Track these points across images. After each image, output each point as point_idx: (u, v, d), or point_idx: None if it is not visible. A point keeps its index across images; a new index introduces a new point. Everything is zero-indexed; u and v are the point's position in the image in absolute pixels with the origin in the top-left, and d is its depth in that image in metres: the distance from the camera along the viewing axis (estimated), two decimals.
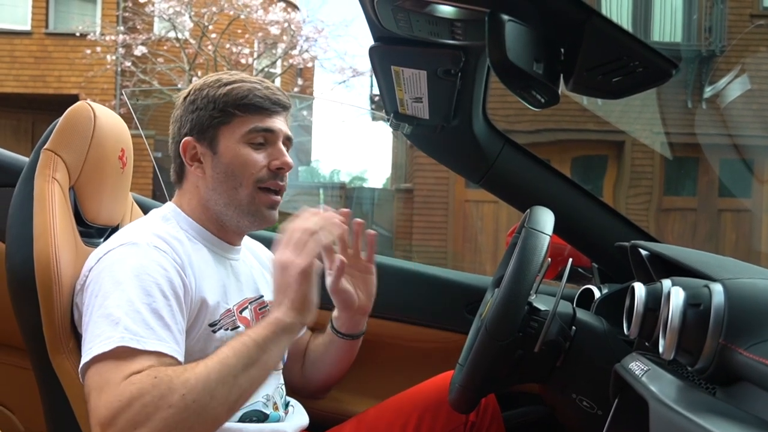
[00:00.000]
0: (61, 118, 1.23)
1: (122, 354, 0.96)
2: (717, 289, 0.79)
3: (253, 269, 1.31)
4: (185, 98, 1.22)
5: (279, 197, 1.22)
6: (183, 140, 1.20)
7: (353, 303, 1.31)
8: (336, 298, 1.31)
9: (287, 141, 1.23)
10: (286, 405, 1.30)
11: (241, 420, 1.15)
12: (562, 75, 0.97)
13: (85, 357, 0.97)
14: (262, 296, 1.28)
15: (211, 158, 1.18)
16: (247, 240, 1.36)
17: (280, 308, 1.06)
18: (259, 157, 1.18)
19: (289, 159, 1.21)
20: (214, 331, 1.13)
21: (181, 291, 1.07)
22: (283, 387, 1.30)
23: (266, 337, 1.03)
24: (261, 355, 1.02)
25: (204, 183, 1.19)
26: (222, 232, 1.22)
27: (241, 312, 1.20)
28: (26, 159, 1.29)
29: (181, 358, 1.02)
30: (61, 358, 1.10)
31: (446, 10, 1.00)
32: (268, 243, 1.49)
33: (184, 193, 1.23)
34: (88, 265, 1.10)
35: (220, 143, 1.18)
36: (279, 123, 1.21)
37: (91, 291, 1.04)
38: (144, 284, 1.02)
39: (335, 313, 1.36)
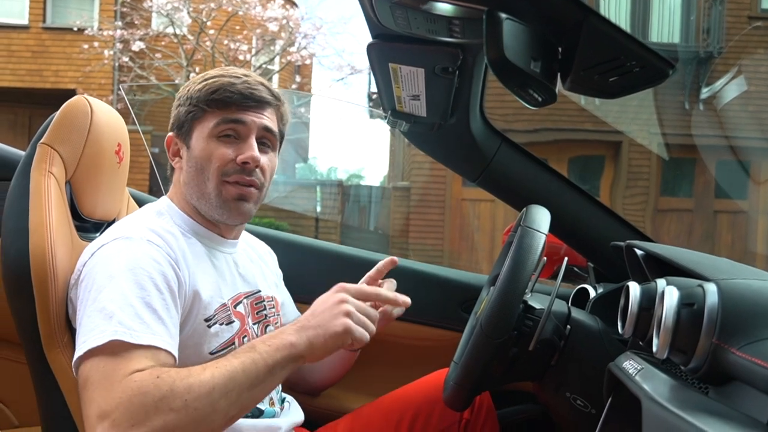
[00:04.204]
0: (58, 113, 1.22)
1: (117, 348, 0.95)
2: (711, 289, 0.80)
3: (251, 263, 1.31)
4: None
5: (251, 189, 1.18)
6: (167, 136, 1.22)
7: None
8: None
9: (267, 134, 1.20)
10: (282, 401, 1.30)
11: None
12: (559, 74, 0.97)
13: (79, 350, 0.97)
14: (259, 291, 1.28)
15: (186, 153, 1.19)
16: (246, 235, 1.36)
17: (299, 335, 1.02)
18: (227, 151, 1.16)
19: (256, 153, 1.16)
20: (209, 326, 1.13)
21: (175, 285, 1.07)
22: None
23: (277, 362, 1.00)
24: (268, 377, 1.00)
25: (183, 177, 1.20)
26: (210, 225, 1.22)
27: (235, 306, 1.19)
28: (22, 152, 1.29)
29: (175, 353, 1.01)
30: (56, 353, 1.10)
31: (444, 8, 1.00)
32: (267, 239, 1.49)
33: (174, 188, 1.24)
34: (82, 260, 1.10)
35: (192, 138, 1.18)
36: (252, 116, 1.17)
37: (85, 285, 1.04)
38: (138, 278, 1.02)
39: None
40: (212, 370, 0.96)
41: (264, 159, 1.19)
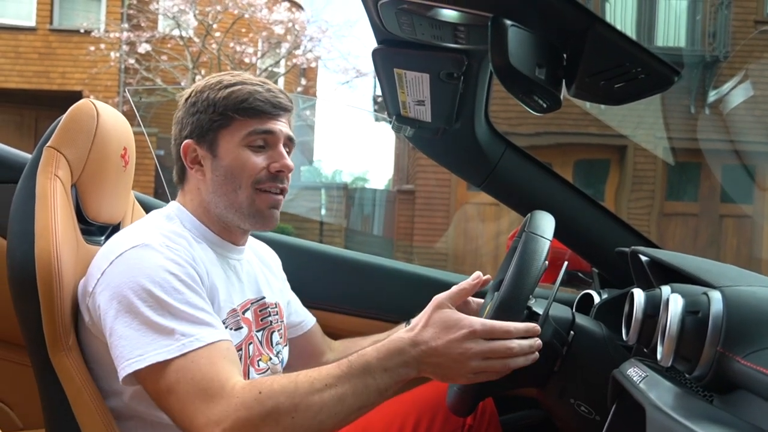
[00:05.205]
0: (64, 116, 1.23)
1: (190, 357, 0.98)
2: (716, 296, 0.80)
3: (256, 270, 1.32)
4: (186, 100, 1.22)
5: (280, 197, 1.21)
6: (184, 143, 1.20)
7: None
8: None
9: (289, 142, 1.22)
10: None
11: None
12: (564, 80, 0.97)
13: (140, 363, 0.99)
14: (263, 297, 1.28)
15: (211, 161, 1.18)
16: (251, 240, 1.36)
17: (419, 363, 0.99)
18: (258, 160, 1.17)
19: (288, 161, 1.20)
20: None
21: (199, 282, 1.09)
22: None
23: (389, 386, 0.99)
24: (377, 400, 1.00)
25: (204, 186, 1.19)
26: (225, 233, 1.22)
27: (244, 312, 1.20)
28: (29, 155, 1.30)
29: (230, 338, 1.05)
30: (61, 356, 1.10)
31: (449, 14, 1.00)
32: (271, 243, 1.49)
33: (186, 194, 1.23)
34: (98, 267, 1.09)
35: (219, 146, 1.17)
36: (280, 125, 1.19)
37: (111, 296, 1.04)
38: (173, 285, 1.03)
39: None
40: (321, 392, 0.96)
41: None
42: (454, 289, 1.11)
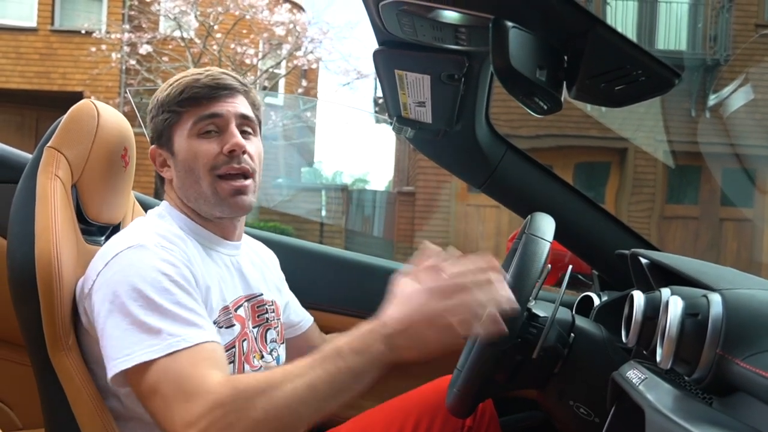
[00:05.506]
0: (65, 117, 1.23)
1: (176, 358, 0.97)
2: (715, 299, 0.80)
3: (253, 267, 1.31)
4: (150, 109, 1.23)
5: (244, 181, 1.17)
6: (150, 150, 1.22)
7: None
8: None
9: (247, 120, 1.19)
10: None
11: None
12: (565, 82, 0.97)
13: (126, 363, 0.98)
14: (260, 294, 1.28)
15: (173, 160, 1.19)
16: (248, 239, 1.36)
17: (391, 341, 0.95)
18: (211, 146, 1.16)
19: (239, 140, 1.15)
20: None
21: (193, 283, 1.08)
22: None
23: (364, 368, 0.95)
24: (353, 384, 0.96)
25: (176, 183, 1.20)
26: (211, 226, 1.21)
27: (236, 309, 1.19)
28: (29, 155, 1.30)
29: (219, 340, 1.05)
30: (61, 356, 1.10)
31: (451, 16, 1.01)
32: (271, 244, 1.49)
33: (168, 194, 1.24)
34: (94, 268, 1.09)
35: (174, 143, 1.18)
36: (227, 106, 1.17)
37: (104, 295, 1.04)
38: (162, 284, 1.03)
39: None
40: (293, 381, 0.94)
41: (249, 145, 1.19)
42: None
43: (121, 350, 1.00)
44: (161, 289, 1.03)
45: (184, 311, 1.02)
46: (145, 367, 0.98)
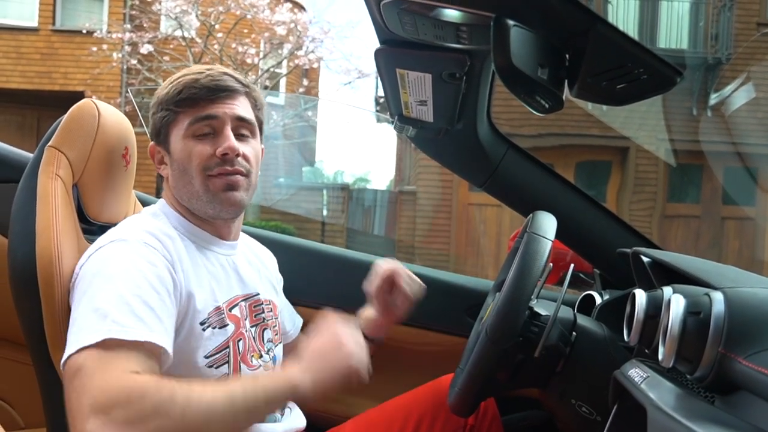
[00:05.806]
0: (66, 116, 1.23)
1: (112, 345, 0.93)
2: (717, 297, 0.79)
3: (250, 266, 1.31)
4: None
5: (237, 177, 1.17)
6: (149, 147, 1.22)
7: (395, 313, 1.37)
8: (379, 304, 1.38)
9: (244, 123, 1.19)
10: (284, 406, 1.29)
11: None
12: (566, 81, 0.97)
13: (71, 348, 0.95)
14: (257, 293, 1.27)
15: (169, 158, 1.20)
16: (246, 238, 1.36)
17: (304, 376, 1.02)
18: (205, 147, 1.15)
19: (233, 143, 1.15)
20: (204, 329, 1.12)
21: (170, 286, 1.06)
22: None
23: (276, 398, 1.02)
24: (264, 409, 1.02)
25: (170, 182, 1.21)
26: (206, 225, 1.21)
27: (230, 309, 1.18)
28: (30, 155, 1.30)
29: (170, 350, 1.00)
30: (61, 354, 1.10)
31: (452, 15, 1.00)
32: (272, 243, 1.49)
33: (165, 192, 1.24)
34: (79, 263, 1.10)
35: (171, 142, 1.18)
36: (224, 108, 1.17)
37: (80, 287, 1.04)
38: (134, 278, 1.01)
39: (365, 316, 1.41)
40: (214, 390, 0.95)
41: (244, 148, 1.18)
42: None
43: (71, 336, 0.97)
44: (132, 282, 1.01)
45: (142, 306, 0.99)
46: (81, 351, 0.93)
